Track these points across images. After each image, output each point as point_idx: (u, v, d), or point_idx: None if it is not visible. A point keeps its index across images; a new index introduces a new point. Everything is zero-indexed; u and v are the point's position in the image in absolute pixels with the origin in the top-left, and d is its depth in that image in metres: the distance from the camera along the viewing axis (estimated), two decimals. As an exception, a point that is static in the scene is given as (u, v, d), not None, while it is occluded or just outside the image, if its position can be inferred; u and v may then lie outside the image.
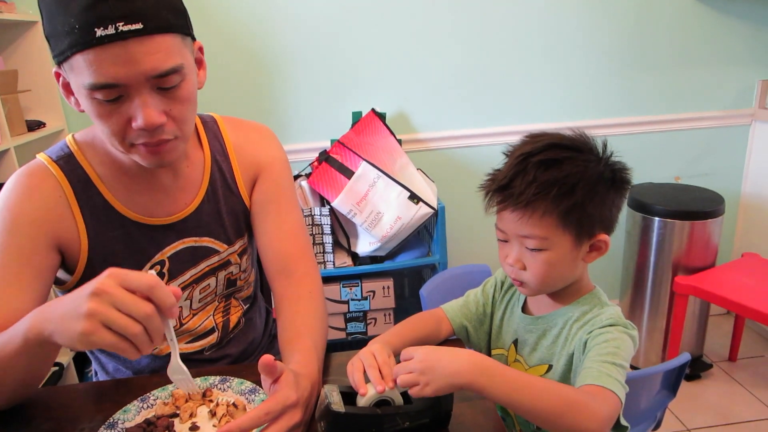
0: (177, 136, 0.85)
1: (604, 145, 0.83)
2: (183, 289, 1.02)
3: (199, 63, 0.91)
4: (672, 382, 1.38)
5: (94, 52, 0.74)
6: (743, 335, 2.35)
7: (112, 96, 0.77)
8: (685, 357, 1.34)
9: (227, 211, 1.03)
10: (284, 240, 1.03)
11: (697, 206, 2.10)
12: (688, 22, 2.27)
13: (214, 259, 1.03)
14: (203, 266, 1.02)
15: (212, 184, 1.02)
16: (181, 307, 1.03)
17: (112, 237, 0.95)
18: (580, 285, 0.89)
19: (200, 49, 0.91)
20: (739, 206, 2.54)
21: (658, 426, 1.47)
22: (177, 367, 0.78)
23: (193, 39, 0.87)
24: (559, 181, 0.78)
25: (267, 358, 0.71)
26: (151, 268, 0.98)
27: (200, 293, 1.04)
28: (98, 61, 0.74)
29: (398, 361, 0.78)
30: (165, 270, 0.99)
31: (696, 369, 2.24)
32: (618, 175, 0.83)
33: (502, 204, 0.82)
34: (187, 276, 1.01)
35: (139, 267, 0.97)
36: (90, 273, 0.94)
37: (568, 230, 0.80)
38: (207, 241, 1.02)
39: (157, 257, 0.98)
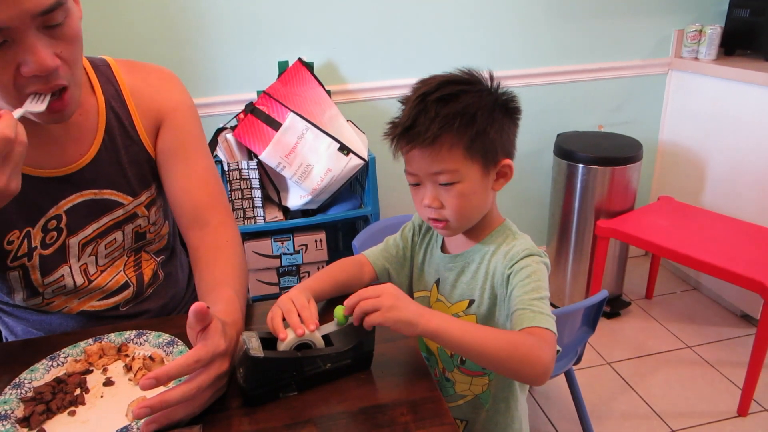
0: (70, 82, 0.79)
1: (491, 77, 0.86)
2: (86, 244, 0.96)
3: None
4: (591, 318, 1.45)
5: None
6: (658, 274, 2.51)
7: None
8: (603, 294, 1.41)
9: (129, 161, 0.97)
10: (195, 189, 0.99)
11: (617, 153, 2.18)
12: (611, -29, 2.31)
13: (119, 213, 0.98)
14: (106, 220, 0.97)
15: (109, 132, 0.95)
16: (86, 263, 0.98)
17: None
18: (491, 218, 0.93)
19: None
20: (657, 152, 2.66)
21: (579, 360, 1.55)
22: None
23: None
24: (460, 112, 0.81)
25: (200, 305, 0.69)
26: (46, 222, 0.92)
27: (106, 248, 0.99)
28: None
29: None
30: (63, 225, 0.93)
31: (616, 307, 2.37)
32: (510, 104, 0.86)
33: (410, 145, 0.84)
34: (89, 231, 0.96)
35: (32, 223, 0.91)
36: None
37: (476, 159, 0.83)
38: (109, 194, 0.96)
39: (52, 212, 0.92)
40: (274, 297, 2.21)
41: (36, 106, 0.76)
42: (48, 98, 0.77)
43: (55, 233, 0.93)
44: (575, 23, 2.36)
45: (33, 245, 0.92)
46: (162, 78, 1.02)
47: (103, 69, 0.97)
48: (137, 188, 0.99)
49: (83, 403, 0.76)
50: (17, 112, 0.73)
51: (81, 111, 0.92)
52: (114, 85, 0.97)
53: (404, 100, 0.87)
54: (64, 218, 0.93)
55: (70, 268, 0.96)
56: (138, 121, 0.97)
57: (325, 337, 0.79)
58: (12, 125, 0.68)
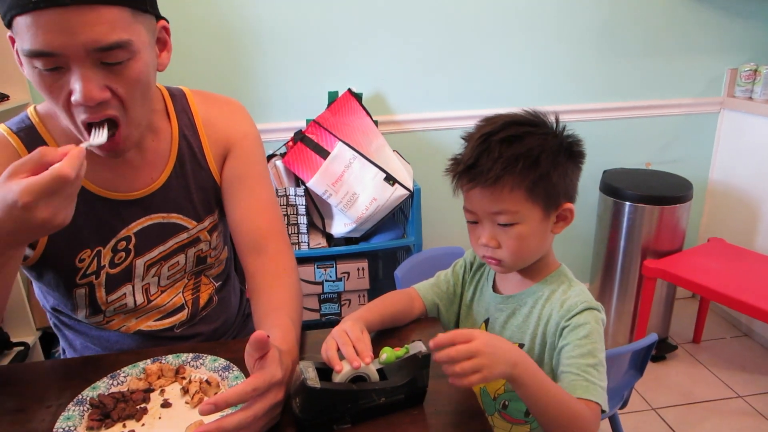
0: (123, 118, 0.81)
1: (557, 119, 0.86)
2: (150, 266, 1.00)
3: (163, 44, 0.87)
4: (639, 362, 1.41)
5: (32, 17, 0.70)
6: (707, 318, 2.42)
7: (51, 65, 0.74)
8: (652, 338, 1.37)
9: (196, 187, 1.00)
10: (256, 216, 1.01)
11: (666, 192, 2.14)
12: (661, 11, 2.30)
13: (183, 236, 1.01)
14: (172, 243, 1.00)
15: (180, 158, 0.99)
16: (149, 284, 1.01)
17: (75, 212, 0.91)
18: (547, 261, 0.91)
19: (165, 29, 0.87)
20: (707, 192, 2.60)
21: (624, 405, 1.51)
22: None
23: (158, 17, 0.84)
24: (524, 154, 0.81)
25: (260, 334, 0.71)
26: (116, 243, 0.95)
27: (168, 270, 1.02)
28: (35, 27, 0.70)
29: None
30: (131, 246, 0.97)
31: (661, 350, 2.30)
32: (574, 148, 0.86)
33: (471, 183, 0.83)
34: (155, 253, 0.99)
35: (104, 243, 0.95)
36: (52, 248, 0.92)
37: (537, 202, 0.83)
38: (175, 218, 0.99)
39: (123, 233, 0.96)
40: (315, 323, 2.22)
41: (96, 140, 0.78)
42: (105, 133, 0.79)
43: (123, 254, 0.97)
44: (626, 60, 2.35)
45: (102, 264, 0.96)
46: (233, 109, 1.06)
47: (179, 98, 1.01)
48: (202, 213, 1.02)
49: (140, 420, 0.77)
50: (83, 146, 0.73)
51: (154, 137, 0.97)
52: (188, 114, 1.01)
53: (467, 138, 0.87)
54: (133, 240, 0.97)
55: (133, 287, 0.99)
56: (208, 149, 1.01)
57: (380, 371, 0.79)
58: (76, 166, 0.68)
